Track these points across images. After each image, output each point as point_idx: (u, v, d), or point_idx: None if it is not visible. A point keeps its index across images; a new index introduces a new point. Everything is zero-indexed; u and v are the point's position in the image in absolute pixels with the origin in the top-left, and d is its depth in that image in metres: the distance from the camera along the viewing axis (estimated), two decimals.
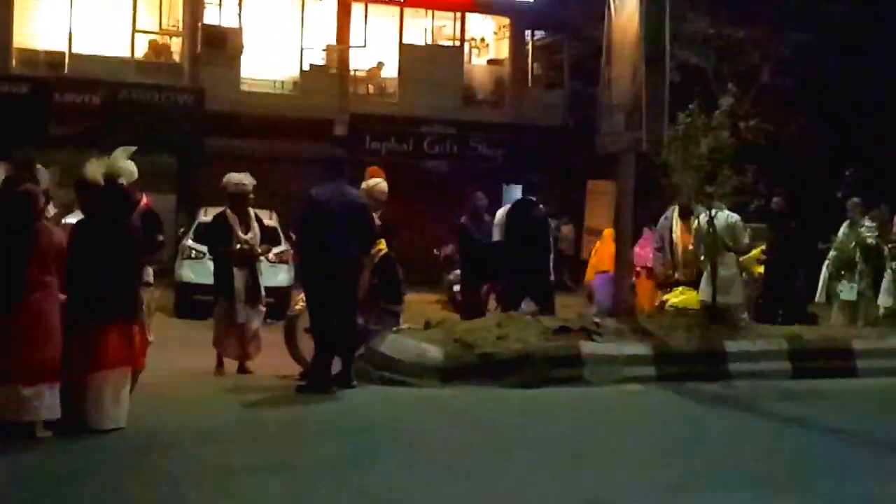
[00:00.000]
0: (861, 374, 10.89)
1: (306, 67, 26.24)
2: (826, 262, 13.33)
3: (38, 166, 8.80)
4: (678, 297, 12.26)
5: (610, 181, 17.39)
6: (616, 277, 12.15)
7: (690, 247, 12.16)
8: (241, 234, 10.76)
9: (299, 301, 10.49)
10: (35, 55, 24.61)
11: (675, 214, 12.44)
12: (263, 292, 10.96)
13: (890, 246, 12.77)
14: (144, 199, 9.88)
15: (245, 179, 10.94)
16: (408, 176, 25.03)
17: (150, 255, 9.24)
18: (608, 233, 14.38)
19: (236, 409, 8.80)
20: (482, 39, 29.46)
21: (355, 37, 25.69)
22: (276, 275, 15.71)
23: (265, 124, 23.87)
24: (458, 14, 28.10)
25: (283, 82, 26.27)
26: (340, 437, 7.90)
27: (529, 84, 28.80)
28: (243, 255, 10.69)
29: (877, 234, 12.97)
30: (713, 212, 11.28)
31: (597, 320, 10.97)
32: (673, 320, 11.15)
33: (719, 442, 8.05)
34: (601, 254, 15.34)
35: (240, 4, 25.45)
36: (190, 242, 17.24)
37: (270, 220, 15.90)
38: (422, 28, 28.23)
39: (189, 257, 16.99)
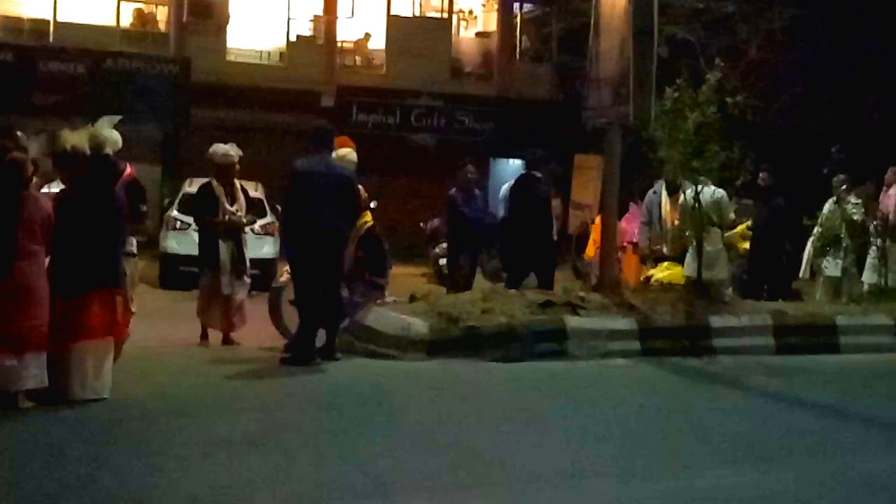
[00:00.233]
0: (844, 351, 10.94)
1: (293, 38, 26.07)
2: (811, 239, 13.35)
3: (19, 133, 8.71)
4: (663, 272, 12.29)
5: (597, 156, 17.38)
6: (602, 252, 12.15)
7: (677, 222, 12.16)
8: (227, 205, 10.71)
9: (284, 273, 10.47)
10: (19, 23, 24.41)
11: (663, 189, 12.44)
12: (248, 264, 10.93)
13: (875, 223, 12.80)
14: (129, 170, 9.80)
15: (231, 150, 10.88)
16: (394, 148, 25.07)
17: (134, 225, 9.18)
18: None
19: (220, 381, 8.78)
20: (470, 12, 29.33)
21: (342, 7, 25.56)
22: (261, 246, 15.65)
23: (251, 95, 23.76)
24: None
25: (269, 53, 26.08)
26: (324, 409, 7.89)
27: (517, 57, 28.68)
28: (229, 227, 10.65)
29: (862, 210, 13.00)
30: (699, 187, 11.28)
31: (582, 294, 10.97)
32: (658, 295, 11.18)
33: (702, 417, 8.07)
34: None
35: None
36: (175, 213, 17.17)
37: (256, 191, 15.84)
38: None
39: (174, 228, 16.92)
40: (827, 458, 6.97)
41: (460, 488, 5.97)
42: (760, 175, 13.00)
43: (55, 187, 8.43)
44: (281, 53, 26.06)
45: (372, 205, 10.86)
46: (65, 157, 8.44)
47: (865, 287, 12.82)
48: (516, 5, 28.59)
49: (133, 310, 9.00)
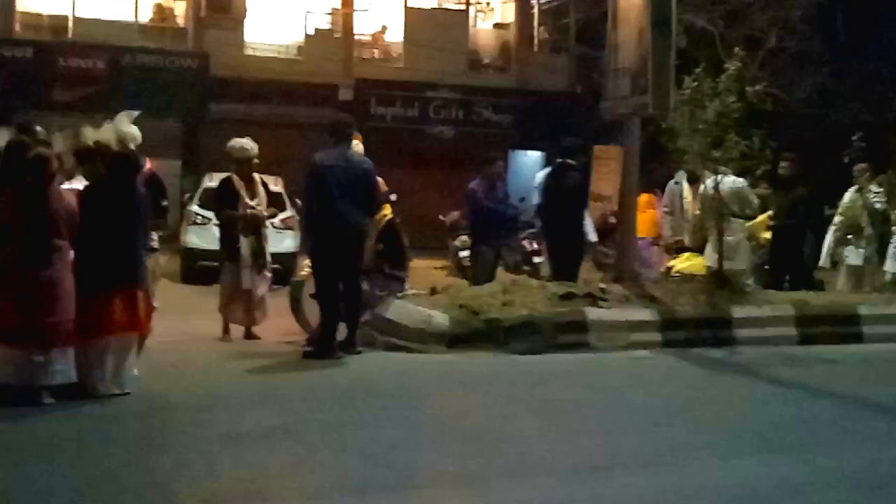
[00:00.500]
0: (867, 340, 10.89)
1: (311, 32, 26.11)
2: (832, 228, 13.27)
3: (38, 128, 8.74)
4: (684, 262, 12.25)
5: (616, 146, 17.31)
6: (622, 242, 12.12)
7: (698, 212, 12.12)
8: (247, 199, 10.73)
9: (305, 267, 10.48)
10: (39, 19, 24.52)
11: (685, 180, 12.40)
12: (269, 258, 10.95)
13: None
14: (149, 165, 9.83)
15: (247, 144, 10.89)
16: (413, 141, 25.08)
17: (154, 220, 9.21)
18: (644, 199, 14.12)
19: (242, 375, 8.82)
20: (487, 3, 29.28)
21: (360, 0, 25.54)
22: (281, 240, 15.66)
23: (270, 89, 23.82)
24: None
25: (287, 47, 26.13)
26: (346, 402, 7.91)
27: (535, 48, 28.64)
28: (249, 221, 10.67)
29: (884, 199, 12.91)
30: (719, 177, 11.24)
31: (603, 286, 10.95)
32: (679, 286, 11.14)
33: (724, 408, 8.03)
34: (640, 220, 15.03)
35: None
36: (195, 208, 17.21)
37: (276, 185, 15.85)
38: None
39: (194, 223, 16.95)
40: (853, 449, 6.92)
41: (485, 481, 5.96)
42: (781, 164, 12.93)
43: (77, 183, 8.46)
44: (299, 47, 26.10)
45: (392, 198, 10.86)
46: (89, 152, 8.48)
47: (888, 276, 12.74)
48: None
49: (155, 304, 9.03)
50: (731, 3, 22.28)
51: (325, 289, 9.56)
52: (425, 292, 10.91)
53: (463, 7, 28.09)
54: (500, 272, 12.20)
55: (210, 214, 14.41)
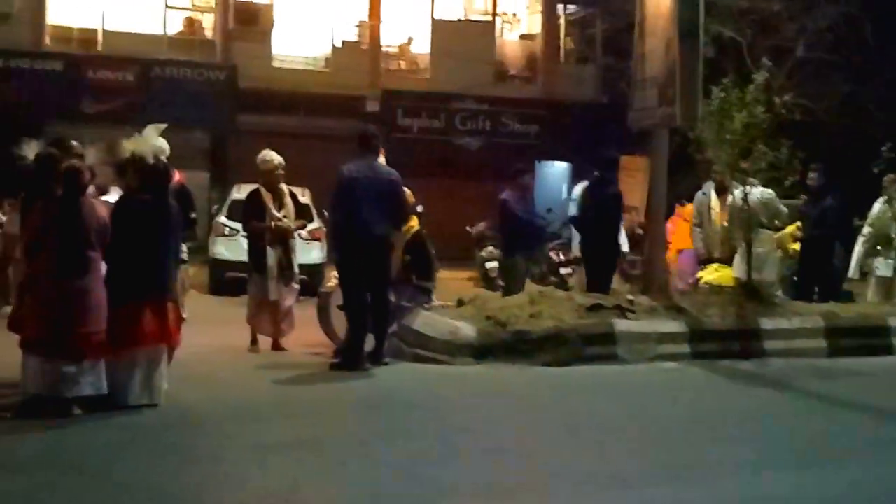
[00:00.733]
0: None
1: (338, 43, 26.19)
2: (861, 239, 13.18)
3: (74, 142, 8.80)
4: (713, 274, 12.19)
5: (643, 157, 17.26)
6: (650, 254, 12.08)
7: (726, 223, 12.08)
8: (274, 211, 10.76)
9: (332, 278, 10.50)
10: (69, 32, 24.69)
11: (713, 191, 12.36)
12: (297, 269, 10.97)
13: None
14: (177, 176, 9.88)
15: (268, 155, 10.92)
16: (439, 152, 25.11)
17: (183, 232, 9.26)
18: (688, 210, 14.05)
19: (270, 386, 8.84)
20: (514, 14, 29.25)
21: (387, 12, 25.62)
22: (309, 252, 15.70)
23: (297, 101, 23.91)
24: None
25: (314, 58, 26.20)
26: (374, 414, 7.93)
27: (562, 59, 28.60)
28: (276, 233, 10.70)
29: None
30: (747, 188, 11.19)
31: (631, 297, 10.91)
32: (707, 298, 11.08)
33: (753, 420, 7.99)
34: (679, 232, 14.99)
35: None
36: (223, 219, 17.28)
37: (304, 196, 15.90)
38: (453, 3, 28.07)
39: (223, 234, 17.01)
40: (884, 462, 6.87)
41: (511, 493, 5.96)
42: (810, 175, 12.86)
43: (111, 196, 8.51)
44: (326, 59, 26.19)
45: (419, 209, 10.87)
46: (126, 165, 8.53)
47: None
48: (560, 7, 28.48)
49: (184, 316, 9.08)
50: (758, 14, 22.18)
51: (352, 300, 9.58)
52: (452, 304, 10.91)
53: (489, 18, 28.13)
54: (528, 283, 12.18)
55: (238, 226, 14.48)
